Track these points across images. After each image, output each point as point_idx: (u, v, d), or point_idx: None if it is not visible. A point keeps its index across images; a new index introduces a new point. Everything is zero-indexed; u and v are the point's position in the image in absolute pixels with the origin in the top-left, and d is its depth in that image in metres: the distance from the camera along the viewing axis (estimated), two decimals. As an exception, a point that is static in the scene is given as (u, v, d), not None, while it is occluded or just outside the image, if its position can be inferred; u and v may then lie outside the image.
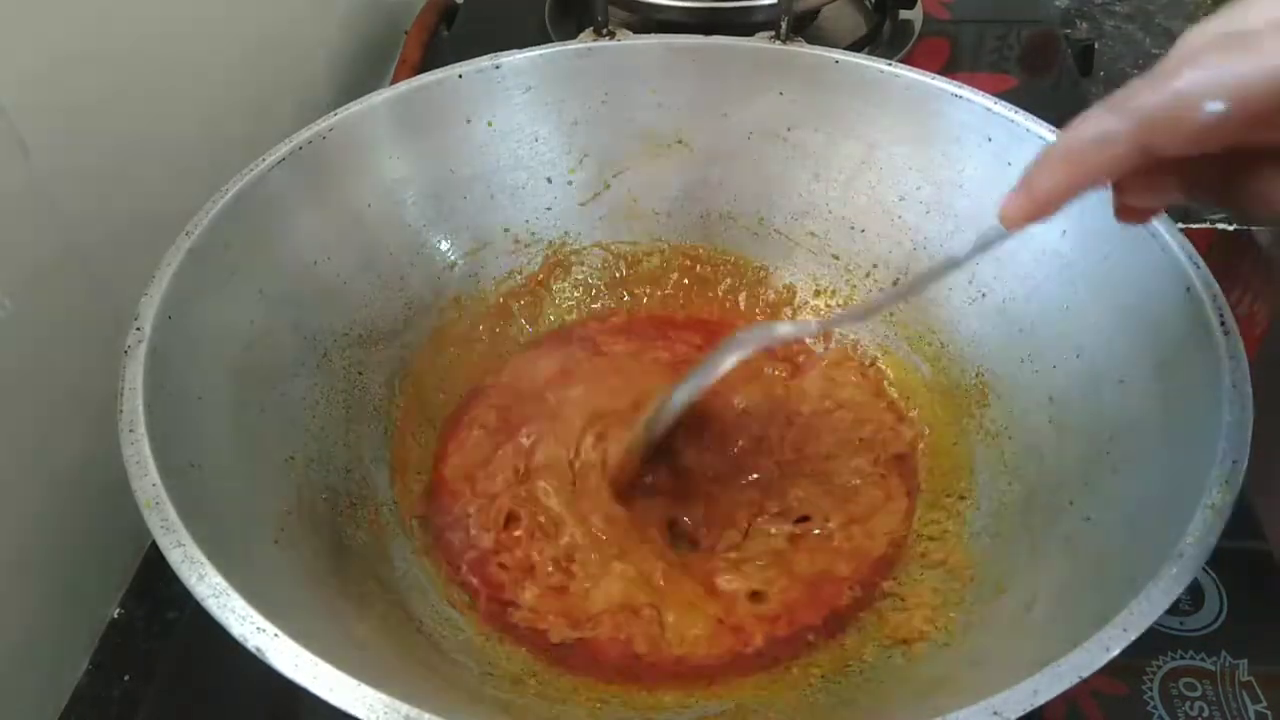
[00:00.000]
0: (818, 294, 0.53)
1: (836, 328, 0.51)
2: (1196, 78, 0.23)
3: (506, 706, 0.35)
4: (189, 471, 0.33)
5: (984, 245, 0.32)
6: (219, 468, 0.35)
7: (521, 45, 0.50)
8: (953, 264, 0.33)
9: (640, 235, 0.54)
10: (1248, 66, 0.22)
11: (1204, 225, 0.67)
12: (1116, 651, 0.27)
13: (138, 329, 0.35)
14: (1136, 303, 0.39)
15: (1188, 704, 0.39)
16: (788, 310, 0.53)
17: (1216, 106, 0.23)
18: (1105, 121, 0.25)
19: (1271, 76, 0.22)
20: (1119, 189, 0.28)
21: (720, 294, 0.54)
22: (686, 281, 0.54)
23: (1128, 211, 0.29)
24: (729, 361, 0.39)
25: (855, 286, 0.52)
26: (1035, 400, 0.43)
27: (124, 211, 0.45)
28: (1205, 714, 0.39)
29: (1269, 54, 0.22)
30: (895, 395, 0.49)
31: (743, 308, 0.53)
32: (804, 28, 0.70)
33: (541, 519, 0.43)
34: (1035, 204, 0.28)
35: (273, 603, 0.29)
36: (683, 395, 0.40)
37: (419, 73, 0.52)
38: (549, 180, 0.52)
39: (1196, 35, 0.25)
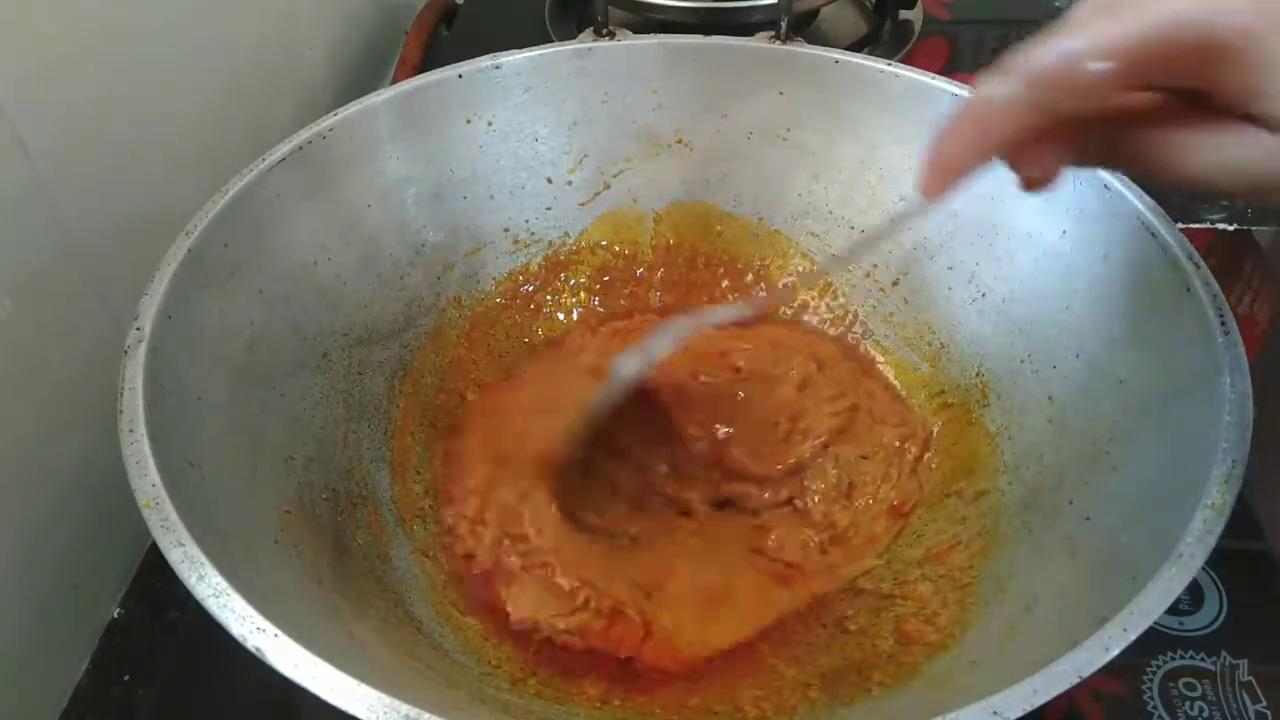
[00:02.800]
0: (819, 294, 0.53)
1: (770, 304, 0.52)
2: (1078, 39, 0.26)
3: (506, 706, 0.35)
4: (189, 471, 0.33)
5: (901, 219, 0.34)
6: (219, 468, 0.35)
7: (521, 45, 0.50)
8: (874, 237, 0.36)
9: (640, 235, 0.54)
10: (1115, 29, 0.25)
11: (1204, 225, 0.66)
12: (1116, 651, 0.27)
13: (138, 329, 0.35)
14: (1136, 303, 0.39)
15: (1188, 704, 0.39)
16: (787, 311, 0.53)
17: (1098, 65, 0.25)
18: (1004, 85, 0.27)
19: (1137, 35, 0.25)
20: (1015, 160, 0.29)
21: (720, 294, 0.54)
22: (686, 282, 0.54)
23: (1029, 183, 0.30)
24: (665, 345, 0.40)
25: (855, 286, 0.52)
26: (1035, 400, 0.43)
27: (124, 211, 0.45)
28: (1205, 714, 0.39)
29: (1128, 20, 0.25)
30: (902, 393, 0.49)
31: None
32: (804, 28, 0.70)
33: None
34: (949, 173, 0.29)
35: (273, 603, 0.29)
36: (625, 374, 0.40)
37: (419, 73, 0.52)
38: (549, 180, 0.52)
39: (1080, 5, 0.27)
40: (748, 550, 0.43)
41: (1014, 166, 0.29)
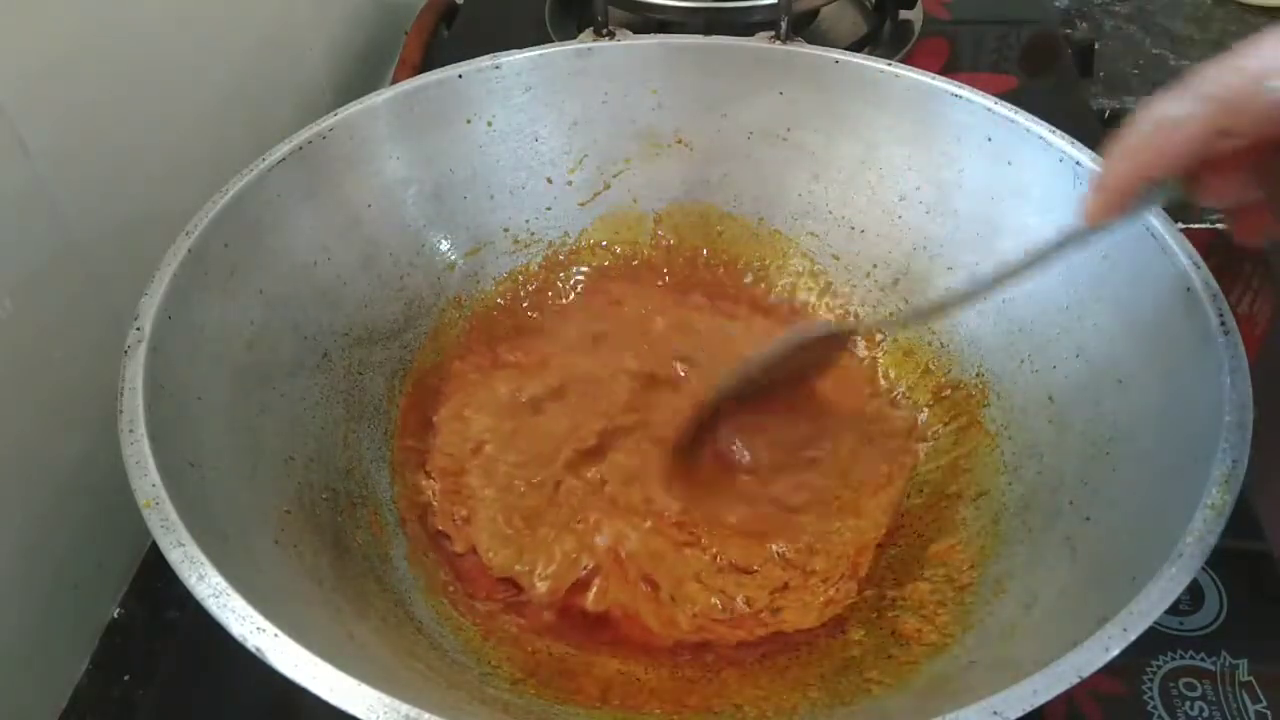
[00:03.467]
0: (819, 294, 0.53)
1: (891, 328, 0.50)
2: (1267, 58, 0.24)
3: (506, 706, 0.35)
4: (189, 471, 0.33)
5: (1062, 244, 0.31)
6: (219, 468, 0.35)
7: (521, 45, 0.50)
8: (1025, 264, 0.34)
9: (640, 235, 0.54)
10: None
11: (1204, 225, 0.66)
12: (1116, 651, 0.27)
13: (138, 329, 0.35)
14: (1136, 303, 0.39)
15: (1187, 704, 0.39)
16: (787, 308, 0.53)
17: None
18: (1176, 104, 0.25)
19: None
20: (1195, 187, 0.27)
21: (721, 295, 0.54)
22: (686, 282, 0.54)
23: (1237, 228, 0.28)
24: (782, 348, 0.42)
25: (855, 286, 0.52)
26: (1035, 400, 0.43)
27: (124, 211, 0.45)
28: (1205, 714, 0.39)
29: None
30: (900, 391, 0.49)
31: (742, 308, 0.53)
32: (804, 28, 0.70)
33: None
34: (1118, 196, 0.27)
35: (273, 603, 0.29)
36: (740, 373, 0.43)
37: (419, 73, 0.52)
38: (549, 180, 0.52)
39: (1269, 30, 0.25)
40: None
41: (1194, 194, 0.27)
